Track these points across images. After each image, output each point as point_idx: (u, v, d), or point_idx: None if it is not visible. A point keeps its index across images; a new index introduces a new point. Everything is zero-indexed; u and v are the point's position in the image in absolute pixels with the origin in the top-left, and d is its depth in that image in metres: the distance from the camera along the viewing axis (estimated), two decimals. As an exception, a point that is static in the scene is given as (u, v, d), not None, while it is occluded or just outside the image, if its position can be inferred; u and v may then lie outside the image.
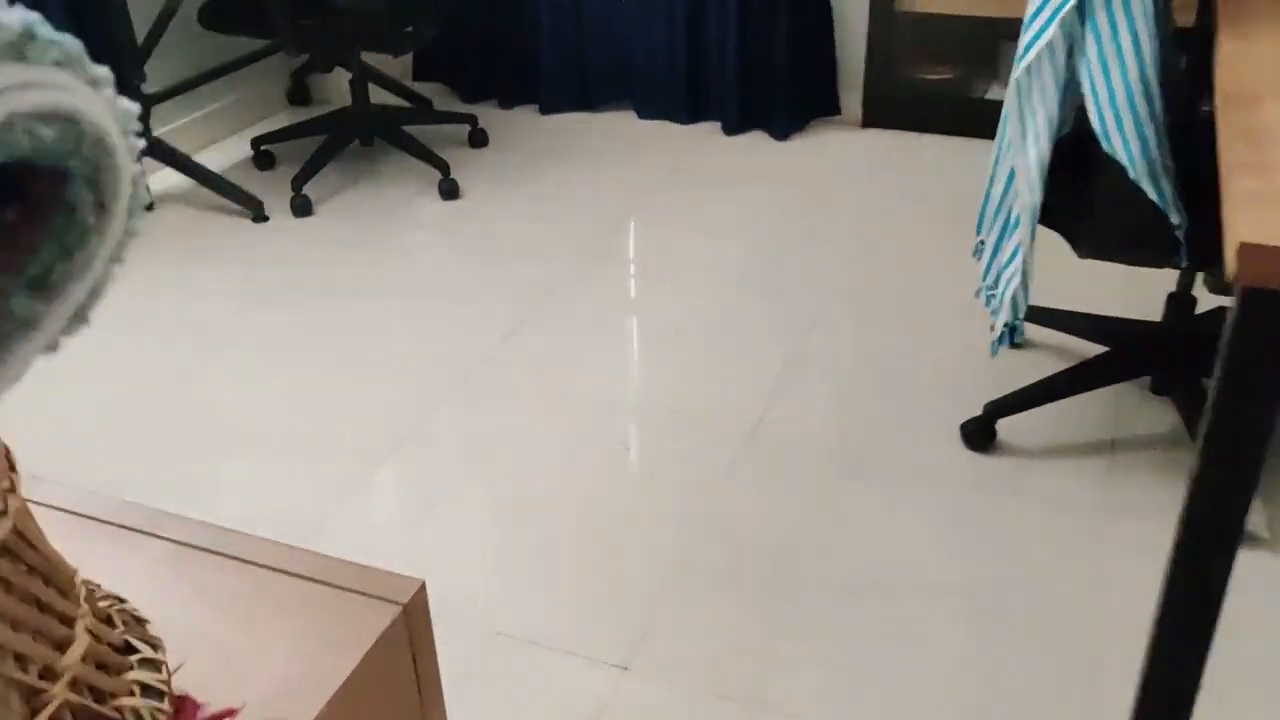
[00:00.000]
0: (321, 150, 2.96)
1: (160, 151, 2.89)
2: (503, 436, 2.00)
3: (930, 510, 1.77)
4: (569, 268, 2.57)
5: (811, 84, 3.20)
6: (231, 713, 0.53)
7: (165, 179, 2.97)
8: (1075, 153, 1.59)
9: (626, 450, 1.93)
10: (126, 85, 2.78)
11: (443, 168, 2.93)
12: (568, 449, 1.96)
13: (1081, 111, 1.50)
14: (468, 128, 3.24)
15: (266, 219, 2.86)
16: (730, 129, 3.26)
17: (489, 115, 3.44)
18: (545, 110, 3.45)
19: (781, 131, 3.20)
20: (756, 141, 3.21)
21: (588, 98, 3.44)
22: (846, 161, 3.06)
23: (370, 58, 3.40)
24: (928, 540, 1.71)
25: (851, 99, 3.23)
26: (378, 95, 3.35)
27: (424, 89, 3.57)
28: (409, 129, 3.06)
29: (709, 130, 3.30)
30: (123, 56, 2.75)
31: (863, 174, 2.98)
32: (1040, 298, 2.24)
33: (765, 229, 2.71)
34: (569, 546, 1.73)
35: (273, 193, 2.94)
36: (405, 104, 3.48)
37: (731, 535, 1.74)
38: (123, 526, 0.69)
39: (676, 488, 1.85)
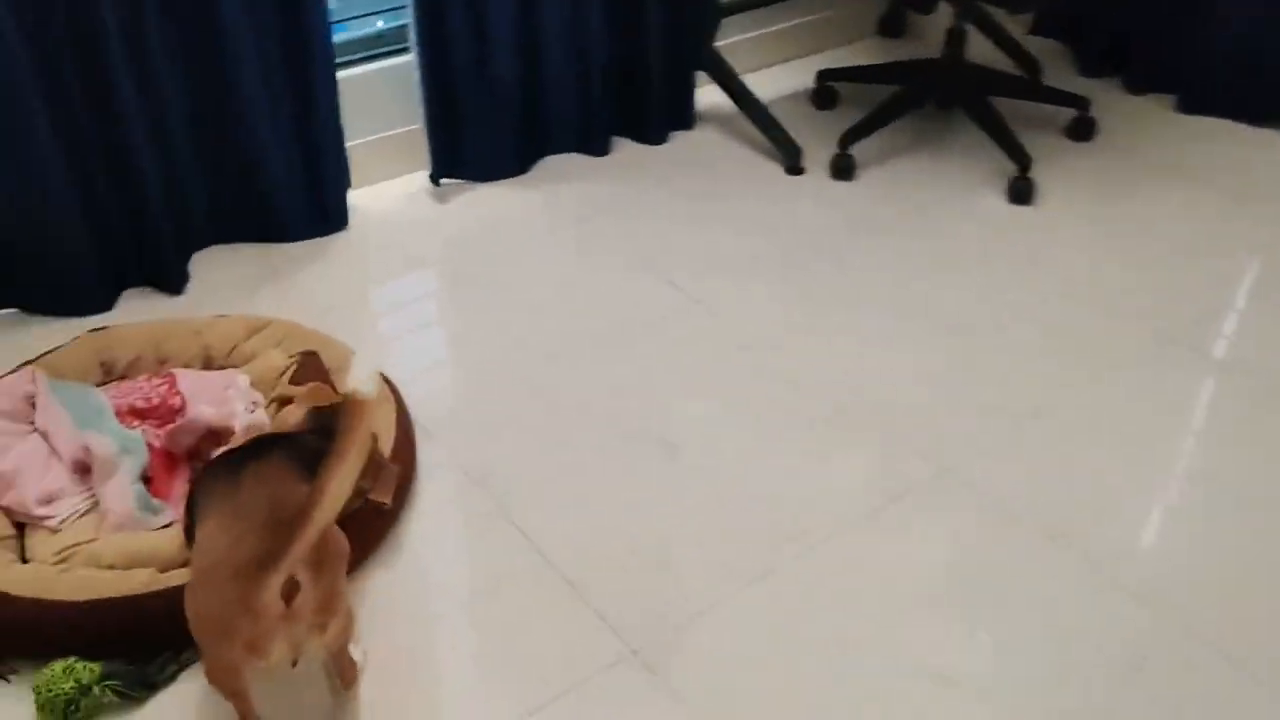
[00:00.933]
0: (888, 106, 2.47)
1: (713, 67, 2.59)
2: (965, 565, 1.48)
3: None
4: (1132, 346, 1.90)
5: None
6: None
7: (711, 95, 2.67)
8: None
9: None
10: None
11: (1022, 161, 2.32)
12: (1061, 633, 1.39)
13: None
14: (1073, 113, 2.56)
15: (801, 172, 2.46)
16: None
17: (1108, 98, 2.71)
18: (1186, 107, 2.65)
19: None
20: None
21: (1254, 103, 2.57)
22: None
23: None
24: None
25: None
26: (978, 47, 2.76)
27: (1038, 46, 2.91)
28: (999, 101, 2.46)
29: None
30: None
31: None
32: None
33: None
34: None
35: (818, 140, 2.53)
36: (1005, 70, 2.85)
37: None
38: None
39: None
